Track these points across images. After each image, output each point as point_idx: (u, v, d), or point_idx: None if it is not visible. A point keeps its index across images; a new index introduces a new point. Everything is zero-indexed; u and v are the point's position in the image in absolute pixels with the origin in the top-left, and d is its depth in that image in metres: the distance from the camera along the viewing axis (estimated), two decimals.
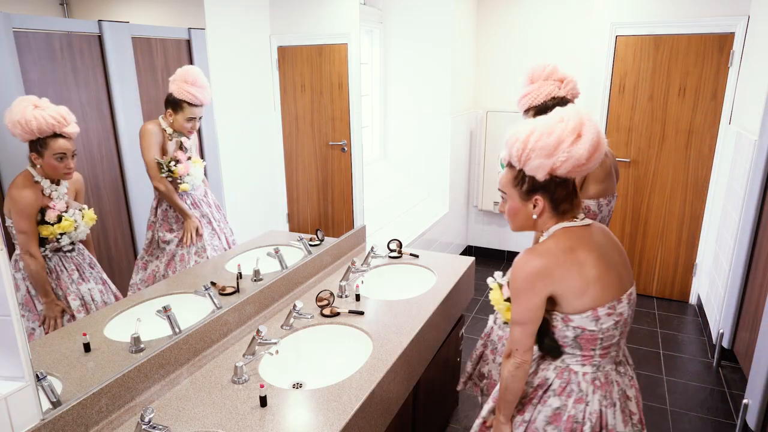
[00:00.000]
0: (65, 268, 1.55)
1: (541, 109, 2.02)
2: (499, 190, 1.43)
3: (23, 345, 1.18)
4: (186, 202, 1.91)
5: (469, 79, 4.61)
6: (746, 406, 2.46)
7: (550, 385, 1.41)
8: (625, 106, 3.88)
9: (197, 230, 1.94)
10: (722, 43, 3.53)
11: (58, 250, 1.52)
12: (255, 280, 2.06)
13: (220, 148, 1.98)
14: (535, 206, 1.35)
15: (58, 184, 1.52)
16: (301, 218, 2.56)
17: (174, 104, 1.84)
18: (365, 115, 4.10)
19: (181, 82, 1.82)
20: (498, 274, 1.74)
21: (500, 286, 1.65)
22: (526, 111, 2.10)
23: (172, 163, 1.84)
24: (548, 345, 1.39)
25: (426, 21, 4.10)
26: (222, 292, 1.91)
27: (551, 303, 1.35)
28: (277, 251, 2.18)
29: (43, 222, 1.48)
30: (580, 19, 4.18)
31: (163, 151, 1.84)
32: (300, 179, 2.52)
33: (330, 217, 2.79)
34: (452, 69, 4.16)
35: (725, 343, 3.12)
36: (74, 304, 1.53)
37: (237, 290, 1.96)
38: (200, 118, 1.88)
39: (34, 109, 1.43)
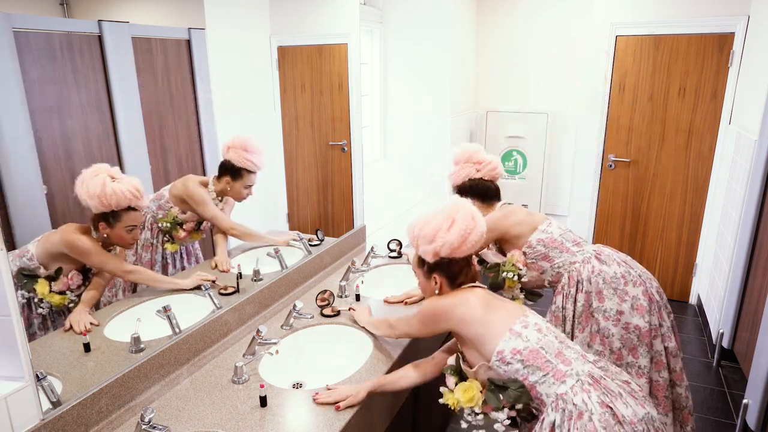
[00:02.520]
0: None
1: (462, 189, 2.21)
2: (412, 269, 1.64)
3: (23, 345, 1.18)
4: None
5: (469, 79, 4.61)
6: (746, 406, 2.45)
7: (554, 422, 1.35)
8: (625, 106, 3.88)
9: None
10: (722, 43, 3.53)
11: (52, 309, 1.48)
12: (255, 280, 2.06)
13: (220, 148, 1.98)
14: (435, 283, 1.55)
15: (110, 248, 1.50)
16: (301, 218, 2.56)
17: (233, 172, 1.86)
18: (365, 115, 4.10)
19: (240, 150, 1.82)
20: (451, 360, 1.62)
21: (477, 387, 1.52)
22: (453, 188, 2.28)
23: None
24: (521, 405, 1.41)
25: (426, 21, 4.10)
26: (222, 292, 1.92)
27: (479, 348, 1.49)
28: (277, 251, 2.19)
29: (52, 278, 1.43)
30: (580, 19, 4.18)
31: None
32: (300, 179, 2.52)
33: (330, 217, 2.79)
34: (452, 69, 4.16)
35: (725, 343, 3.12)
36: None
37: (237, 290, 1.96)
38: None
39: (112, 182, 1.42)
